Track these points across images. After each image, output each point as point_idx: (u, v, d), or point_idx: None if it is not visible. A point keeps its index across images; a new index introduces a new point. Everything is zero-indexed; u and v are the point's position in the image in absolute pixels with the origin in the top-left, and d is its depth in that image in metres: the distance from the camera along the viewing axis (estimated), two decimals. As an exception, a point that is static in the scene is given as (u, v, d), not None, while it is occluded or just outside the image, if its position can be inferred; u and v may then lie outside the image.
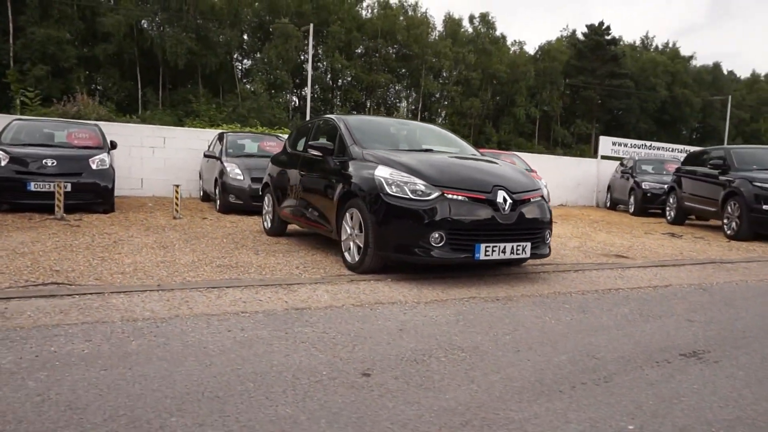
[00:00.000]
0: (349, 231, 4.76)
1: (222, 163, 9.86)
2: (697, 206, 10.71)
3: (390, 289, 4.11)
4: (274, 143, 11.19)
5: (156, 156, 12.65)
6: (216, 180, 10.05)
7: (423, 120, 45.48)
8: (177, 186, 8.78)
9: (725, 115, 61.86)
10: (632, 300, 4.21)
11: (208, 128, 15.20)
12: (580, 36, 54.14)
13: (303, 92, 43.96)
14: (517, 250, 4.40)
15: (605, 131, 56.84)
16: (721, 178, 9.85)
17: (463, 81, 45.00)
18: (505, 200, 4.36)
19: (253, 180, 9.45)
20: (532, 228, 4.52)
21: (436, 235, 4.15)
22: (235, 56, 41.72)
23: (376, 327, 3.12)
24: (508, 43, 50.99)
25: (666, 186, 13.38)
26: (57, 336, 2.67)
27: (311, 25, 19.08)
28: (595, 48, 50.97)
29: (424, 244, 4.16)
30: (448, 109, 45.02)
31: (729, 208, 9.37)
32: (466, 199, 4.24)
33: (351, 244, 4.73)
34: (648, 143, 21.01)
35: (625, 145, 20.14)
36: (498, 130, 48.55)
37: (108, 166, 8.68)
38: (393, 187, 4.31)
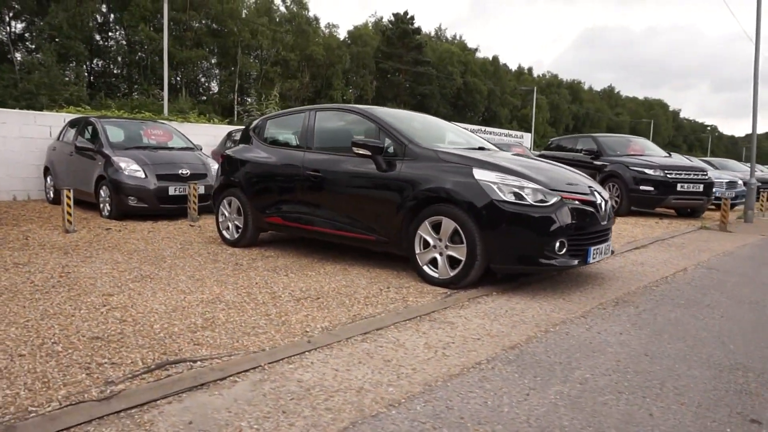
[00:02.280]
0: (432, 243, 4.20)
1: (108, 157, 7.92)
2: (571, 187, 12.15)
3: (522, 306, 3.76)
4: (161, 132, 9.40)
5: (-25, 147, 9.57)
6: (99, 179, 8.04)
7: (240, 103, 43.07)
8: (69, 190, 6.76)
9: (504, 102, 71.83)
10: (698, 288, 4.56)
11: (49, 111, 11.94)
12: (387, 23, 56.80)
13: (97, 66, 37.72)
14: (607, 250, 4.42)
15: (412, 115, 61.33)
16: (596, 162, 11.34)
17: (281, 61, 43.59)
18: (601, 201, 4.32)
19: (159, 178, 7.84)
20: (612, 227, 4.58)
21: (559, 243, 3.91)
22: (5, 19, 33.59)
23: (628, 359, 2.81)
24: (322, 25, 51.01)
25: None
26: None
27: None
28: (401, 36, 54.04)
29: (549, 253, 3.89)
30: (266, 90, 43.11)
31: (608, 189, 10.85)
32: (578, 203, 4.07)
33: (437, 257, 4.18)
34: (482, 128, 23.24)
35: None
36: (317, 113, 48.46)
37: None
38: (506, 193, 3.92)
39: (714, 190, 10.66)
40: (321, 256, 5.37)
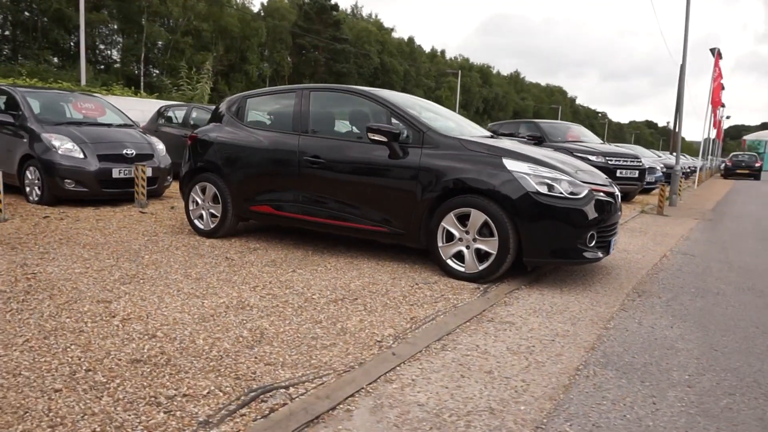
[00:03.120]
0: (457, 235, 4.03)
1: (36, 134, 6.91)
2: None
3: (559, 300, 3.72)
4: (92, 105, 8.34)
5: None
6: (24, 158, 7.01)
7: (146, 75, 40.01)
8: (-2, 172, 5.79)
9: (418, 83, 72.68)
10: (693, 275, 4.79)
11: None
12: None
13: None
14: (616, 241, 4.49)
15: (329, 93, 60.18)
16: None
17: (193, 32, 40.71)
18: (617, 192, 4.37)
19: (101, 158, 6.96)
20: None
21: (589, 235, 3.89)
22: None
23: (704, 355, 2.83)
24: (236, -6, 48.25)
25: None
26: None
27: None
28: (319, 11, 52.58)
29: (581, 246, 3.86)
30: (177, 62, 40.14)
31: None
32: (603, 195, 4.07)
33: (464, 250, 4.02)
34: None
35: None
36: (230, 88, 46.15)
37: None
38: (540, 184, 3.82)
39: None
40: (311, 247, 5.01)
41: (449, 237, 4.09)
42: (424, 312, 3.24)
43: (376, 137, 4.22)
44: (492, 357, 2.61)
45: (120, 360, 2.40)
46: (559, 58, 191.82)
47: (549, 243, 3.85)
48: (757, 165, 30.63)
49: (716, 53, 18.80)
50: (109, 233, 5.35)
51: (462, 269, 4.04)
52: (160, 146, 7.95)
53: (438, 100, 73.32)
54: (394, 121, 4.42)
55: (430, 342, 2.74)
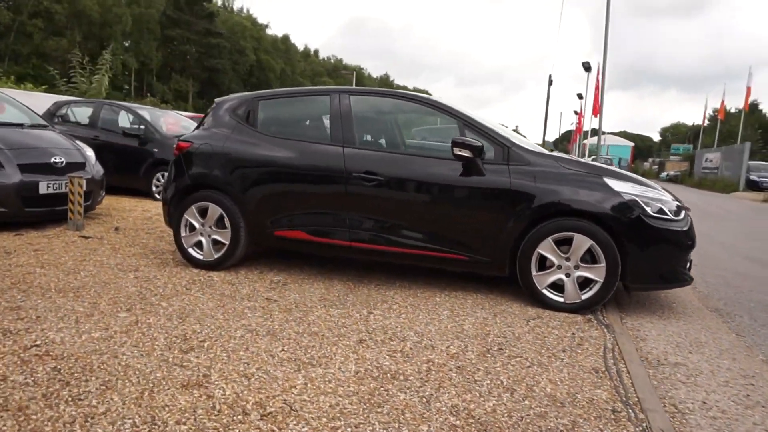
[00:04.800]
0: (556, 262, 3.65)
1: (-76, 137, 5.23)
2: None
3: (674, 329, 3.52)
4: (-11, 100, 6.58)
5: None
6: None
7: None
8: None
9: (294, 82, 71.25)
10: (731, 287, 4.96)
11: None
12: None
13: None
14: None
15: (202, 90, 56.19)
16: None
17: (43, 13, 35.28)
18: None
19: (23, 169, 5.49)
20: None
21: (687, 257, 3.76)
22: None
23: None
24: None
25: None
26: None
27: None
28: (190, 2, 48.90)
29: (682, 269, 3.71)
30: (23, 47, 34.57)
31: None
32: (689, 214, 3.96)
33: (564, 278, 3.65)
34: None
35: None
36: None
37: None
38: (647, 205, 3.58)
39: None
40: (347, 279, 4.28)
41: (542, 264, 3.70)
42: (592, 361, 2.81)
43: (462, 152, 3.68)
44: (738, 416, 2.28)
45: None
46: (419, 63, 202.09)
47: (658, 268, 3.63)
48: (613, 167, 34.78)
49: (598, 66, 20.72)
50: (71, 271, 4.12)
51: (560, 300, 3.67)
52: (90, 152, 6.52)
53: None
54: (468, 134, 3.92)
55: (655, 406, 2.32)
